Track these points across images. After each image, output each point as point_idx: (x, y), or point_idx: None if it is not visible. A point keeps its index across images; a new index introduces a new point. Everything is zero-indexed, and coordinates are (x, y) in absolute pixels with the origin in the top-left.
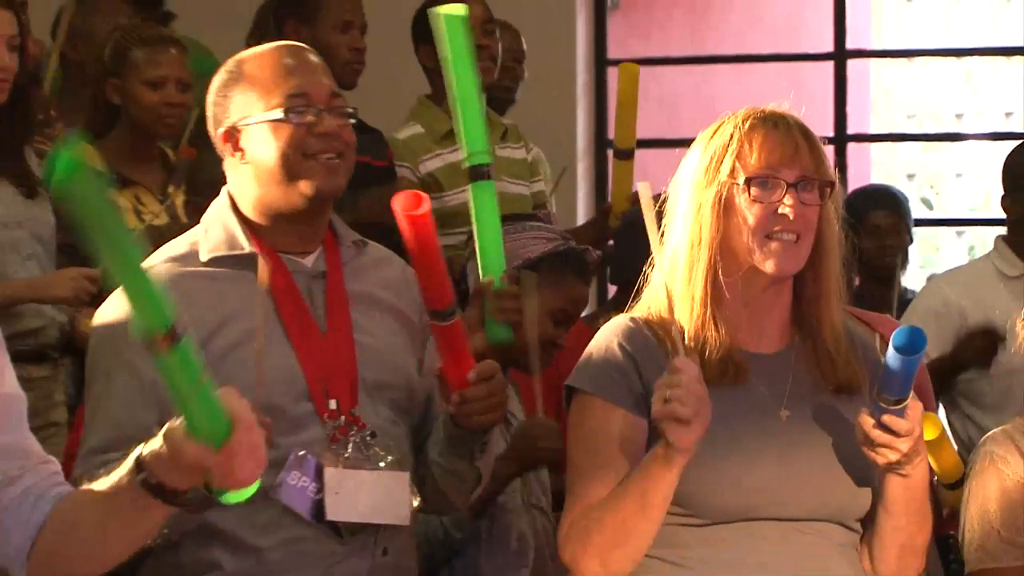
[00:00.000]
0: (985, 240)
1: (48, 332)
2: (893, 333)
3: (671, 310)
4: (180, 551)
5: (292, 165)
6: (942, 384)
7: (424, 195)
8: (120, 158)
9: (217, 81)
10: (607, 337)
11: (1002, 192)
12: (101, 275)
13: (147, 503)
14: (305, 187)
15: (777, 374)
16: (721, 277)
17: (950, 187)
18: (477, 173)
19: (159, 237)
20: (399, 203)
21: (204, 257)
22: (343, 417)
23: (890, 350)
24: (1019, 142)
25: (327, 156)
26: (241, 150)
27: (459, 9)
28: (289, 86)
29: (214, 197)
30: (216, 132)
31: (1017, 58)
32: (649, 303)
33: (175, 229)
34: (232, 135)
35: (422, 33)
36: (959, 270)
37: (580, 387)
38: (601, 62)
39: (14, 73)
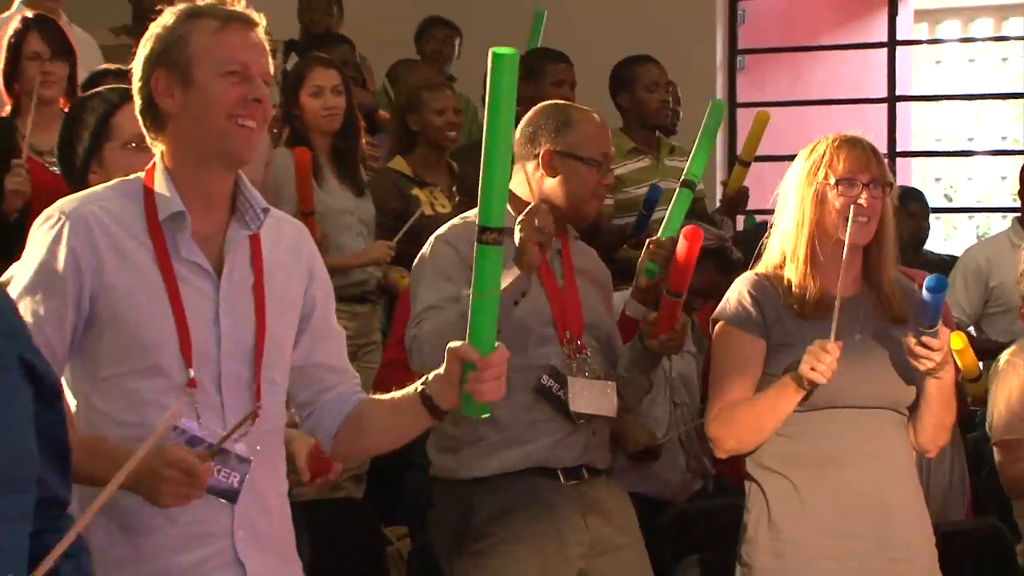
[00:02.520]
0: (988, 222)
1: (368, 283)
2: (925, 279)
3: (800, 280)
4: (458, 425)
5: (587, 197)
6: None
7: (699, 230)
8: (421, 167)
9: (542, 116)
10: (740, 286)
11: (1019, 187)
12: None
13: (419, 412)
14: (588, 212)
15: (852, 310)
16: (817, 246)
17: (964, 186)
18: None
19: (442, 223)
20: (687, 232)
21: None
22: (577, 342)
23: (924, 291)
24: (1017, 155)
25: (604, 197)
26: (553, 169)
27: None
28: (603, 148)
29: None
30: (533, 149)
31: (1011, 101)
32: (766, 263)
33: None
34: (550, 158)
35: (618, 84)
36: (986, 241)
37: (721, 319)
38: (732, 105)
39: (342, 109)
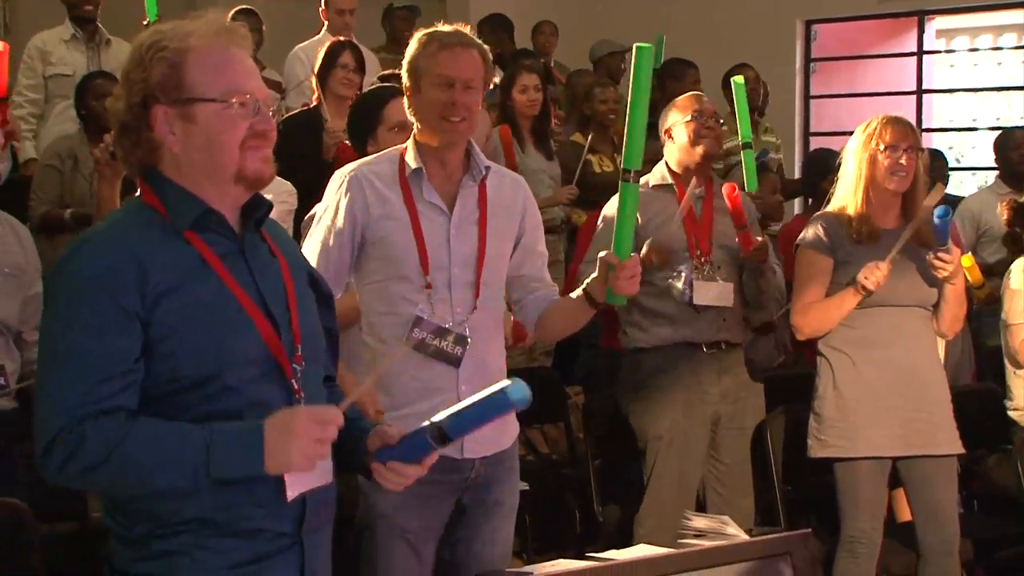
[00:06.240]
0: (987, 177)
1: (556, 220)
2: (935, 209)
3: (857, 214)
4: (631, 312)
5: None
6: None
7: (734, 186)
8: (593, 140)
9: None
10: (816, 221)
11: (994, 155)
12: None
13: (583, 304)
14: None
15: (893, 237)
16: (870, 192)
17: (969, 152)
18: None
19: (606, 178)
20: (726, 189)
21: (652, 183)
22: (703, 258)
23: (935, 218)
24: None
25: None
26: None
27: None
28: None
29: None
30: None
31: (1004, 92)
32: (834, 204)
33: (616, 176)
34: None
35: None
36: (977, 193)
37: (802, 245)
38: (807, 97)
39: (539, 102)
